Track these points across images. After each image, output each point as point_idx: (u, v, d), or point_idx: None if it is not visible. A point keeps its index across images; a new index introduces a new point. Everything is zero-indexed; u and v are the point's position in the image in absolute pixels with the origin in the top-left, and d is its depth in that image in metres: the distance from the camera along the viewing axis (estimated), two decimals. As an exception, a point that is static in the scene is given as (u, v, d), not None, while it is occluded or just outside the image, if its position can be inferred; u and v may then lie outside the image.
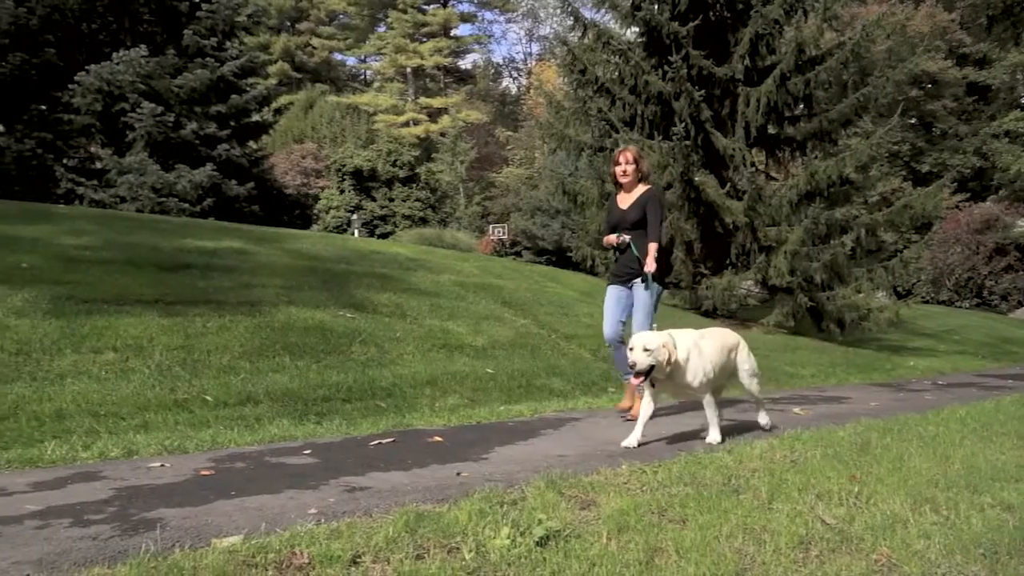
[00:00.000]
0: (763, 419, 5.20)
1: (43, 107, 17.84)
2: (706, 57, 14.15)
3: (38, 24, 17.73)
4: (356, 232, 31.35)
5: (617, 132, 14.43)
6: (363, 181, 35.93)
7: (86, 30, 18.86)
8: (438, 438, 4.66)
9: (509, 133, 51.08)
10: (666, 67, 13.96)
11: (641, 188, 5.57)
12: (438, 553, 2.49)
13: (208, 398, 5.32)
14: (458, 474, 3.70)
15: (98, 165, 17.77)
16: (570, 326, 9.95)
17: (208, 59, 19.01)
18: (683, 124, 13.47)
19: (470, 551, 2.47)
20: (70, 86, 17.48)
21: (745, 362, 4.98)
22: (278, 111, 23.92)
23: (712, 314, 14.21)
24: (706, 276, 14.48)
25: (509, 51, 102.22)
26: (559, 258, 26.80)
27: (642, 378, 4.33)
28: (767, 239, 13.89)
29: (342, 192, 36.13)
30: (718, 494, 3.25)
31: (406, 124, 53.52)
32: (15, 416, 4.50)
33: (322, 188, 37.22)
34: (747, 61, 14.21)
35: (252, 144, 21.51)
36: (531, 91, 48.92)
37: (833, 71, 14.12)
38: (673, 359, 4.35)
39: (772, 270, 13.51)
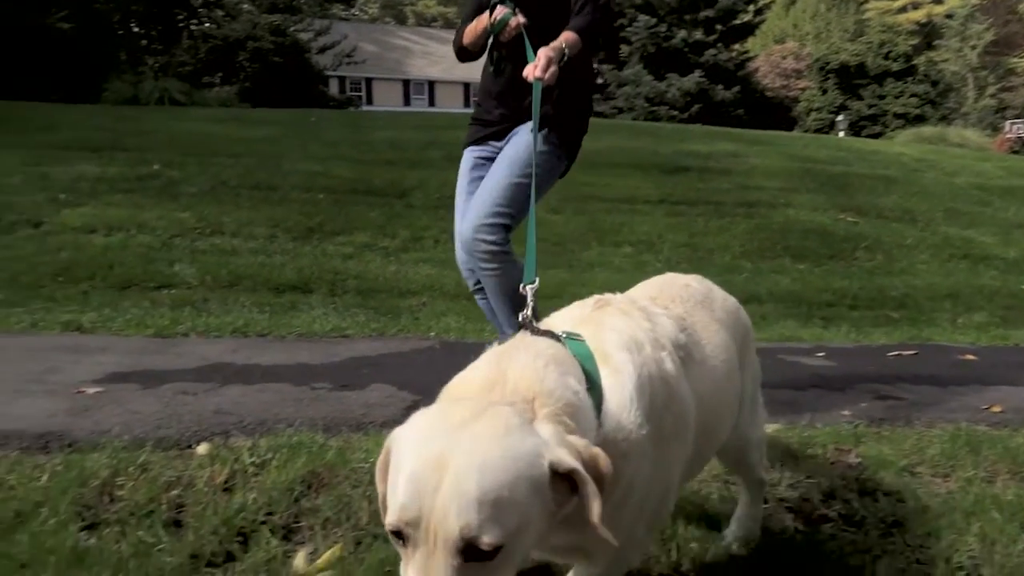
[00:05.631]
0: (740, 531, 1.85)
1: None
2: None
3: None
4: (841, 134, 29.10)
5: None
6: (849, 78, 32.79)
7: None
8: (970, 356, 4.15)
9: (1044, 4, 41.34)
10: None
11: None
12: (1011, 481, 2.22)
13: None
14: (1008, 399, 3.23)
15: (600, 80, 19.53)
16: None
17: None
18: None
19: (1055, 486, 2.15)
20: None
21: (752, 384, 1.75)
22: (759, 12, 22.96)
23: None
24: None
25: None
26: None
27: None
28: None
29: (824, 92, 33.60)
30: None
31: (903, 9, 46.90)
32: (559, 296, 5.26)
33: (802, 89, 35.13)
34: None
35: (736, 47, 21.25)
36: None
37: None
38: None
39: None
